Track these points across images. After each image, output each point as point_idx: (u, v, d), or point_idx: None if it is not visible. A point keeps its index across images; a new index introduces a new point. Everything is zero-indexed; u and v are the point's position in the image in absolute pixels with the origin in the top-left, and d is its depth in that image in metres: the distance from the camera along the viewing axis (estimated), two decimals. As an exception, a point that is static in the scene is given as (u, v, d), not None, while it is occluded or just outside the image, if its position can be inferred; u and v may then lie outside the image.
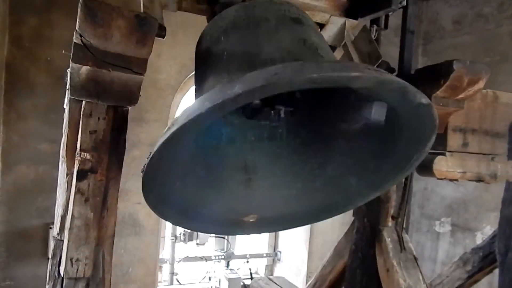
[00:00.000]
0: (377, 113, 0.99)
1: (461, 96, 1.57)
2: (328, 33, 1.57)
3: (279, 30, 1.02)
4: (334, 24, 1.56)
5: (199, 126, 0.85)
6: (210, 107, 0.70)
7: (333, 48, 1.61)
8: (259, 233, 1.34)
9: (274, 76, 0.69)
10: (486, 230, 3.67)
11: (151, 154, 0.80)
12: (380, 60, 1.60)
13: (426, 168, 1.69)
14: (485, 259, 2.04)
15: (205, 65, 1.08)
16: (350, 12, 1.61)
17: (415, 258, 1.65)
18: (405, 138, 0.99)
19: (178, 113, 3.81)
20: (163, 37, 1.21)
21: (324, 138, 1.19)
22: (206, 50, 1.09)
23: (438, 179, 1.69)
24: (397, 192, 1.69)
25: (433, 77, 1.53)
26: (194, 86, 1.19)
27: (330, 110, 1.16)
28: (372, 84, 0.79)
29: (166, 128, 0.79)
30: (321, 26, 1.55)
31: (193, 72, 1.20)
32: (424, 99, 0.83)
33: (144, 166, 0.82)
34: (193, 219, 1.13)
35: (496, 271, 1.95)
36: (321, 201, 1.19)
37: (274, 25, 1.02)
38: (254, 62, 0.95)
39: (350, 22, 1.58)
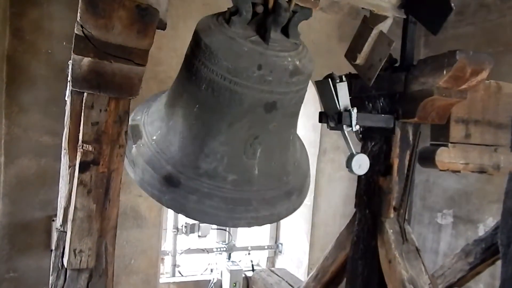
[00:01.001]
0: None
1: (464, 86, 1.56)
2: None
3: (244, 119, 1.16)
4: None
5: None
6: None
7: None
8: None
9: (186, 210, 1.16)
10: (488, 222, 3.68)
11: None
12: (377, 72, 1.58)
13: (428, 160, 1.69)
14: (487, 251, 2.04)
15: (187, 79, 1.22)
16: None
17: (417, 250, 1.65)
18: None
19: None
20: (164, 29, 1.20)
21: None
22: (191, 64, 1.19)
23: (441, 170, 1.68)
24: (399, 184, 1.69)
25: (435, 67, 1.53)
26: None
27: None
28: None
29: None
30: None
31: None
32: None
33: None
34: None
35: (499, 262, 1.96)
36: None
37: (243, 113, 1.15)
38: (204, 145, 1.17)
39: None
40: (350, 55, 1.67)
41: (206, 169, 1.16)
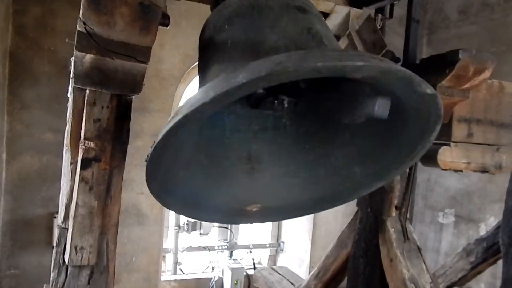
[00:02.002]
0: (380, 108, 0.97)
1: (466, 86, 1.55)
2: (333, 22, 1.56)
3: (283, 18, 1.01)
4: (339, 13, 1.55)
5: (202, 115, 0.84)
6: (214, 97, 0.69)
7: (338, 37, 1.60)
8: (262, 222, 1.34)
9: (278, 65, 0.68)
10: (490, 221, 3.67)
11: (155, 143, 0.80)
12: (385, 50, 1.58)
13: (430, 159, 1.68)
14: (488, 250, 2.04)
15: (209, 54, 1.07)
16: (355, 1, 1.59)
17: (419, 249, 1.65)
18: (410, 128, 0.98)
19: (181, 103, 3.81)
20: (167, 26, 1.20)
21: (328, 128, 1.19)
22: (209, 39, 1.08)
23: (443, 169, 1.68)
24: (401, 182, 1.69)
25: (438, 66, 1.52)
26: (197, 77, 1.19)
27: (334, 99, 1.15)
28: (377, 74, 0.78)
29: (170, 117, 0.79)
30: (326, 15, 1.54)
31: (197, 62, 1.20)
32: (429, 89, 0.82)
33: (148, 155, 0.82)
34: (196, 208, 1.14)
35: (500, 262, 1.95)
36: (325, 190, 1.19)
37: (278, 13, 1.01)
38: (258, 50, 0.94)
39: (355, 11, 1.56)
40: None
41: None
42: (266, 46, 0.95)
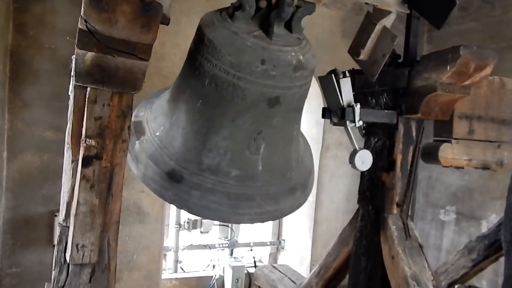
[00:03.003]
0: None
1: (467, 82, 1.55)
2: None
3: (247, 114, 1.15)
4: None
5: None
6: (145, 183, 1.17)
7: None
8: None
9: (189, 205, 1.16)
10: (491, 218, 3.67)
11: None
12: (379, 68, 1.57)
13: (431, 156, 1.68)
14: (490, 248, 2.04)
15: (188, 81, 1.23)
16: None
17: (421, 246, 1.65)
18: None
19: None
20: (168, 24, 1.20)
21: None
22: (193, 69, 1.20)
23: (444, 166, 1.68)
24: (402, 180, 1.69)
25: (439, 63, 1.52)
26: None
27: None
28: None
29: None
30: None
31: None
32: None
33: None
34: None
35: (502, 259, 1.95)
36: None
37: (246, 107, 1.15)
38: (207, 140, 1.17)
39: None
40: (354, 50, 1.66)
41: (209, 164, 1.16)
42: (216, 139, 1.16)
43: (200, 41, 1.15)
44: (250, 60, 1.09)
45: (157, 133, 1.24)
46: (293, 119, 1.30)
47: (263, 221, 1.23)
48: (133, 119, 1.24)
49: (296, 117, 1.32)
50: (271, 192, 1.23)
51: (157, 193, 1.19)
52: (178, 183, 1.16)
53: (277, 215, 1.29)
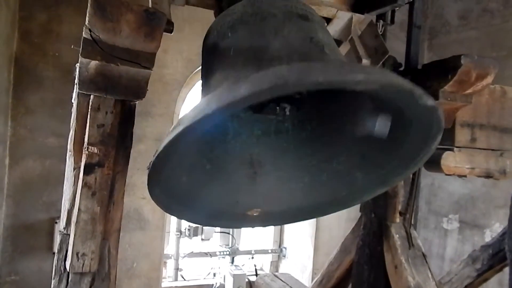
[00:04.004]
0: (380, 128, 1.01)
1: (469, 91, 1.55)
2: (335, 28, 1.56)
3: (286, 26, 1.02)
4: (341, 18, 1.55)
5: (204, 126, 0.85)
6: (216, 109, 0.71)
7: (340, 42, 1.60)
8: (264, 226, 1.33)
9: (279, 78, 0.70)
10: (495, 227, 3.65)
11: (157, 152, 0.81)
12: (387, 55, 1.58)
13: (434, 164, 1.68)
14: (494, 257, 2.01)
15: (212, 60, 1.08)
16: (356, 7, 1.60)
17: (424, 255, 1.64)
18: (411, 136, 0.99)
19: (183, 108, 3.81)
20: (171, 32, 1.20)
21: (330, 133, 1.19)
22: (213, 45, 1.08)
23: (447, 174, 1.67)
24: (404, 188, 1.68)
25: (440, 72, 1.52)
26: (200, 81, 1.19)
27: (337, 105, 1.16)
28: (378, 87, 0.79)
29: (172, 127, 0.80)
30: (328, 20, 1.54)
31: (199, 67, 1.20)
32: (430, 101, 0.82)
33: (150, 163, 0.83)
34: (198, 213, 1.13)
35: (506, 269, 1.94)
36: (328, 195, 1.19)
37: (281, 21, 1.02)
38: (261, 59, 0.95)
39: (357, 17, 1.57)
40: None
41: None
42: (269, 54, 0.96)
43: (210, 29, 1.13)
44: None
45: None
46: (336, 46, 1.17)
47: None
48: None
49: (336, 47, 1.21)
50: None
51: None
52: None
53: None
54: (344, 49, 1.63)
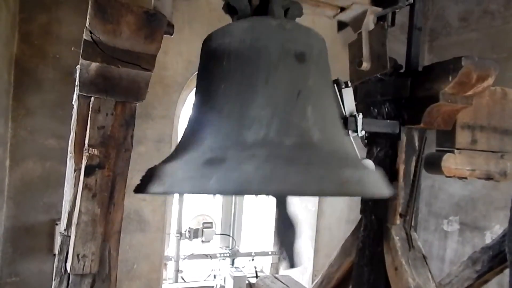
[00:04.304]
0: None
1: (469, 92, 1.55)
2: (348, 15, 1.54)
3: (278, 71, 1.02)
4: (355, 10, 1.53)
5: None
6: (185, 191, 0.90)
7: (345, 24, 1.58)
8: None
9: (243, 184, 0.81)
10: (495, 229, 3.64)
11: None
12: (386, 70, 1.57)
13: (434, 166, 1.68)
14: (495, 259, 2.01)
15: (206, 78, 1.11)
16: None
17: (424, 257, 1.64)
18: None
19: (184, 110, 3.81)
20: (171, 34, 1.21)
21: None
22: (208, 64, 1.10)
23: (447, 176, 1.67)
24: (405, 190, 1.68)
25: (441, 73, 1.52)
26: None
27: None
28: (334, 195, 0.87)
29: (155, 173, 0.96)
30: (342, 9, 1.53)
31: (200, 69, 1.21)
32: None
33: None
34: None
35: (507, 271, 1.93)
36: None
37: (275, 64, 1.02)
38: (243, 115, 0.98)
39: (373, 9, 1.54)
40: (356, 65, 1.65)
41: (254, 140, 0.93)
42: (252, 113, 0.97)
43: (205, 45, 1.12)
44: (262, 22, 1.05)
45: (182, 140, 1.08)
46: (326, 84, 1.15)
47: (349, 193, 0.92)
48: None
49: (328, 82, 1.19)
50: (334, 163, 0.97)
51: (196, 189, 0.89)
52: (221, 164, 0.88)
53: (361, 187, 0.94)
54: (350, 37, 1.61)
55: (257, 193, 0.88)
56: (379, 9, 1.52)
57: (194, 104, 1.15)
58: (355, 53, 1.59)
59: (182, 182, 0.91)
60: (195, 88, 1.18)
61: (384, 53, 1.50)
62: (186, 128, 1.16)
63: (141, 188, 0.97)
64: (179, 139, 1.12)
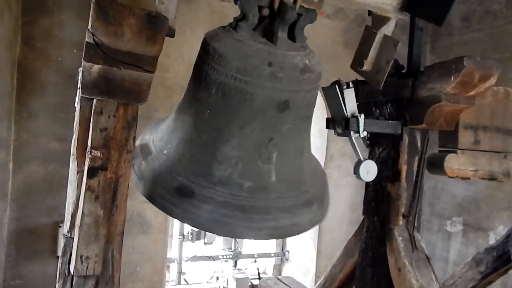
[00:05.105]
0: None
1: (472, 93, 1.55)
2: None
3: (256, 120, 1.11)
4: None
5: None
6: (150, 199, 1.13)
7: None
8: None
9: (200, 221, 1.10)
10: (499, 229, 3.61)
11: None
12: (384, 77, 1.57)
13: (437, 166, 1.67)
14: (499, 260, 2.00)
15: (196, 90, 1.20)
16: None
17: (427, 258, 1.63)
18: None
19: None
20: (173, 36, 1.21)
21: None
22: (201, 77, 1.16)
23: (450, 177, 1.66)
24: (407, 190, 1.67)
25: (443, 73, 1.52)
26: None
27: None
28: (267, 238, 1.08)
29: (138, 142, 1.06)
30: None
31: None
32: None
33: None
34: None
35: (511, 272, 1.92)
36: None
37: (254, 113, 1.11)
38: (216, 151, 1.12)
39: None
40: (356, 62, 1.66)
41: (220, 177, 1.10)
42: (224, 153, 1.12)
43: (205, 52, 1.16)
44: (256, 64, 1.07)
45: (164, 151, 1.19)
46: (303, 128, 1.25)
47: (280, 237, 1.18)
48: (138, 142, 1.20)
49: (307, 126, 1.28)
50: (287, 205, 1.15)
51: (166, 211, 1.12)
52: (188, 198, 1.09)
53: (296, 230, 1.19)
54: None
55: (207, 231, 1.20)
56: (405, 17, 1.54)
57: (181, 106, 1.23)
58: (364, 50, 1.59)
59: (157, 198, 1.14)
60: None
61: (384, 71, 1.51)
62: (167, 126, 1.28)
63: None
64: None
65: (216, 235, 4.16)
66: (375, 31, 1.56)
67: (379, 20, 1.54)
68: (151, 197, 1.16)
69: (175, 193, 1.10)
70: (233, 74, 1.07)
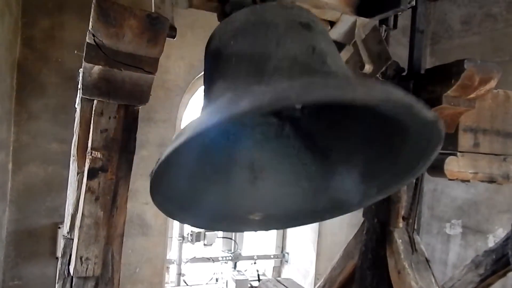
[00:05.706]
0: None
1: (472, 95, 1.55)
2: (339, 31, 1.56)
3: (288, 36, 1.02)
4: (345, 22, 1.55)
5: (206, 136, 0.88)
6: (218, 121, 0.72)
7: (343, 45, 1.60)
8: (265, 230, 1.33)
9: (280, 93, 0.71)
10: (498, 232, 3.62)
11: (159, 161, 0.82)
12: (390, 61, 1.58)
13: (437, 169, 1.67)
14: (498, 262, 2.00)
15: (214, 68, 1.09)
16: (361, 10, 1.60)
17: (427, 260, 1.63)
18: (410, 147, 0.98)
19: (186, 114, 3.83)
20: (174, 37, 1.21)
21: (331, 140, 1.19)
22: (215, 53, 1.09)
23: (450, 179, 1.67)
24: (407, 193, 1.67)
25: (444, 76, 1.52)
26: (202, 87, 1.20)
27: (338, 114, 1.16)
28: (379, 103, 0.79)
29: (175, 136, 0.80)
30: (332, 23, 1.55)
31: (201, 73, 1.21)
32: (430, 115, 0.81)
33: (152, 171, 0.84)
34: (201, 217, 1.14)
35: (510, 274, 1.92)
36: (327, 200, 1.19)
37: (283, 31, 1.02)
38: (262, 70, 0.96)
39: (361, 20, 1.57)
40: (358, 69, 1.65)
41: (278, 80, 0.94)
42: (271, 66, 0.96)
43: (211, 39, 1.13)
44: (266, 5, 1.07)
45: None
46: (337, 54, 1.18)
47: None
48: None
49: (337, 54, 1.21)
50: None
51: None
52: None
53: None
54: (347, 53, 1.63)
55: (298, 102, 0.76)
56: (367, 20, 1.54)
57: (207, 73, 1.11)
58: (355, 62, 1.60)
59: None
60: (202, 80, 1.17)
61: (383, 49, 1.51)
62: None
63: None
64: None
65: (215, 237, 4.16)
66: (347, 43, 1.59)
67: (348, 36, 1.58)
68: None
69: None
70: (246, 17, 1.06)
